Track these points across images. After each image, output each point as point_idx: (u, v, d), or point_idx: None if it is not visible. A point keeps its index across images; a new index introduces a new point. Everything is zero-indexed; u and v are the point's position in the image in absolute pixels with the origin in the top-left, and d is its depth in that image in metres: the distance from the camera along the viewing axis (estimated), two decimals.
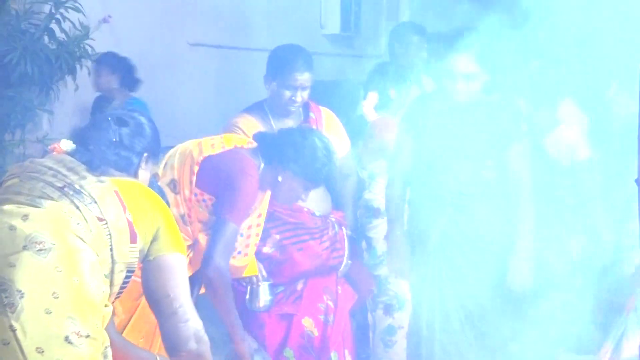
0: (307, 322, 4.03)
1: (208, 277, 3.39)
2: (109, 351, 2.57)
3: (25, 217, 2.49)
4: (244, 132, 3.93)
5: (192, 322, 2.70)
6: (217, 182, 3.42)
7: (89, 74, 5.90)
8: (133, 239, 2.62)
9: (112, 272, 2.58)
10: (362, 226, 4.68)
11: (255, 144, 3.60)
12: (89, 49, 5.83)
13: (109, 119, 2.78)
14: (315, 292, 4.05)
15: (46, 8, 5.72)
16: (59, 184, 2.58)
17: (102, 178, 2.64)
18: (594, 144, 4.54)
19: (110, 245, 2.57)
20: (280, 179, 3.52)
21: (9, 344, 2.38)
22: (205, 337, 2.74)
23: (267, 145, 3.56)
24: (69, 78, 5.83)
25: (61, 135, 2.98)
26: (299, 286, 4.02)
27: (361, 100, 5.03)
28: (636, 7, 4.28)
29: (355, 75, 5.68)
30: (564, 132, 4.51)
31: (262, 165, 3.54)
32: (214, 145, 3.52)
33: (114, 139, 2.75)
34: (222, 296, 3.44)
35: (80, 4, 5.69)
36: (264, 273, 3.88)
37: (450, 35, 4.04)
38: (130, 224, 2.62)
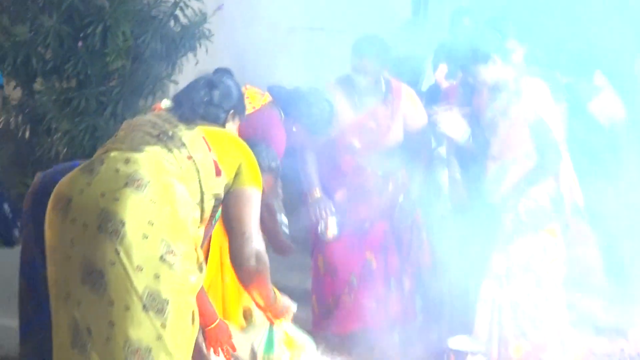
0: (369, 255, 4.47)
1: None
2: (204, 265, 2.88)
3: (127, 160, 2.76)
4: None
5: (255, 244, 2.96)
6: (255, 134, 3.65)
7: (206, 51, 6.53)
8: (218, 173, 2.90)
9: (202, 200, 2.87)
10: (434, 174, 4.82)
11: (271, 98, 3.98)
12: (206, 32, 6.56)
13: (202, 82, 3.09)
14: (377, 232, 4.48)
15: None
16: (155, 132, 2.88)
17: (192, 126, 2.94)
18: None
19: (199, 178, 2.85)
20: (294, 129, 3.96)
21: (114, 264, 2.65)
22: (265, 258, 3.01)
23: (283, 100, 3.96)
24: (190, 54, 6.55)
25: None
26: (366, 225, 4.47)
27: (433, 73, 5.30)
28: None
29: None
30: (608, 96, 4.94)
31: (283, 116, 3.95)
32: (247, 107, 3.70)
33: (206, 99, 3.05)
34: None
35: None
36: (333, 209, 4.35)
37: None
38: (215, 162, 2.90)
